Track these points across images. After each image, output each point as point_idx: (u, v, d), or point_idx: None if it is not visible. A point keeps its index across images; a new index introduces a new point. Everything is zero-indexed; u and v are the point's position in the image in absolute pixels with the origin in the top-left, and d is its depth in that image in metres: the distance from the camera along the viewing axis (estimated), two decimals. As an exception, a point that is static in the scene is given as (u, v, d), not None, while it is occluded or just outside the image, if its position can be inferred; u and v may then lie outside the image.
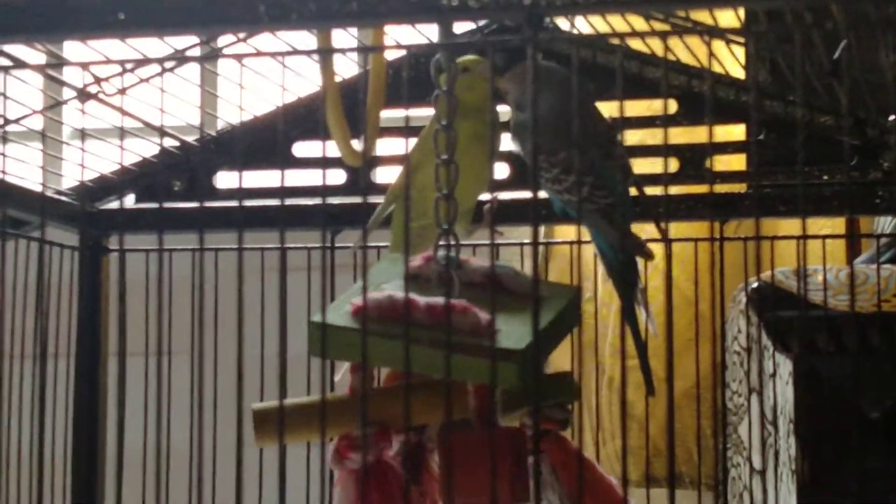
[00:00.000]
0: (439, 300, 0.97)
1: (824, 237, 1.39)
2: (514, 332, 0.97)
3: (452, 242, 1.00)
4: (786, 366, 1.58)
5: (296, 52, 0.99)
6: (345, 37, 1.22)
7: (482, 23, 1.37)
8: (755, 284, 1.51)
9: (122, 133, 0.94)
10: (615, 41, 1.30)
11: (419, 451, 1.03)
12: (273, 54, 0.91)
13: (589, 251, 1.18)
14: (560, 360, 1.25)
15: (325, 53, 0.95)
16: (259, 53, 0.97)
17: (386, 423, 0.98)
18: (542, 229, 1.90)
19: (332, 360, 1.08)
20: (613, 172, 1.10)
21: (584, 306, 1.53)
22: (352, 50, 1.04)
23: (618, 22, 1.20)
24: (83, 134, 0.95)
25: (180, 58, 1.27)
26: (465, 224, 1.12)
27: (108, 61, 1.05)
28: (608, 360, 1.92)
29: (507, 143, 1.16)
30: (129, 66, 1.19)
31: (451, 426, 0.95)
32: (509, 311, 0.99)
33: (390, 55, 1.23)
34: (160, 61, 0.95)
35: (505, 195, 1.33)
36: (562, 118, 0.87)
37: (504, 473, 0.96)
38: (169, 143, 1.44)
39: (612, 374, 1.92)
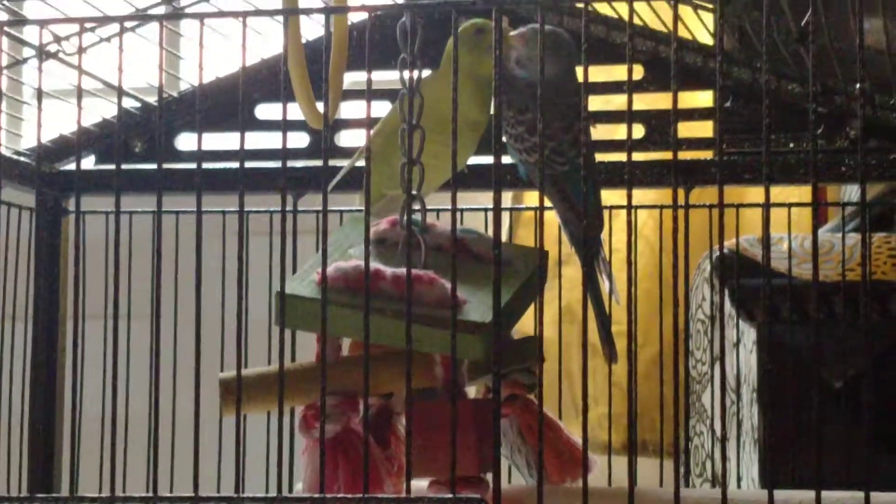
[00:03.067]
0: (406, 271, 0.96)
1: (790, 205, 1.39)
2: (480, 304, 0.96)
3: (418, 207, 0.99)
4: (749, 334, 1.58)
5: (258, 12, 0.98)
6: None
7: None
8: (720, 252, 1.51)
9: (80, 93, 0.92)
10: (580, 5, 1.29)
11: (386, 416, 1.02)
12: (235, 14, 0.89)
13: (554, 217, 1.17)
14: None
15: (287, 14, 0.93)
16: (221, 14, 0.95)
17: (352, 392, 0.97)
18: (508, 195, 1.89)
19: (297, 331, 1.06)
20: (573, 143, 1.10)
21: (560, 270, 1.53)
22: (314, 11, 1.03)
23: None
24: (39, 93, 0.93)
25: (141, 16, 1.26)
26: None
27: (68, 20, 1.03)
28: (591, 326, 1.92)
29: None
30: (88, 24, 1.18)
31: (418, 395, 0.94)
32: (476, 280, 0.97)
33: (355, 17, 1.22)
34: (120, 20, 0.93)
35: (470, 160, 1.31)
36: (549, 84, 0.86)
37: (471, 444, 0.95)
38: (130, 103, 1.42)
39: (595, 340, 1.91)
